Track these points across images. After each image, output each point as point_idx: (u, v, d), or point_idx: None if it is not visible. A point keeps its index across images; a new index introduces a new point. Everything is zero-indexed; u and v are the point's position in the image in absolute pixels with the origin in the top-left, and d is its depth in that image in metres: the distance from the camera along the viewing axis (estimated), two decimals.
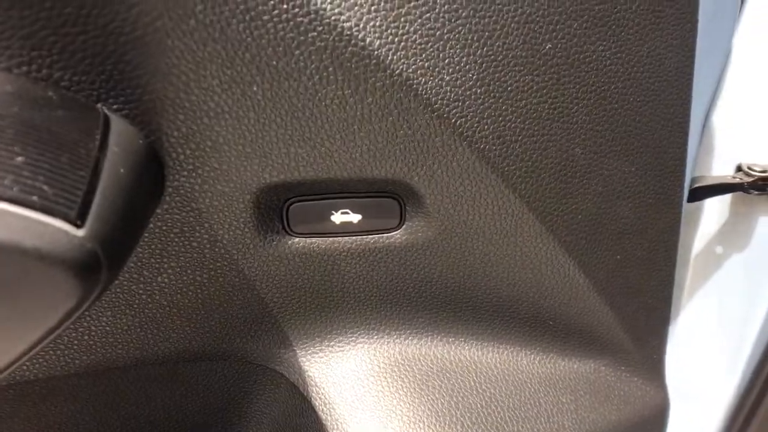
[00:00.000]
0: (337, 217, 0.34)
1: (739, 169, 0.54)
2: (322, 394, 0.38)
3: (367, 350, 0.39)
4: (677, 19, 0.33)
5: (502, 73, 0.31)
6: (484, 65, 0.30)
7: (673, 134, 0.36)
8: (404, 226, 0.35)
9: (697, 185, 0.51)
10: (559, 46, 0.31)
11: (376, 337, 0.39)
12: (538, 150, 0.33)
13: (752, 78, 0.52)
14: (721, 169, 0.55)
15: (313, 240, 0.34)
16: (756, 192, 0.52)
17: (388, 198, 0.34)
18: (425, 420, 0.38)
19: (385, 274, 0.36)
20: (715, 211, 0.57)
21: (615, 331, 0.40)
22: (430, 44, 0.29)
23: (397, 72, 0.29)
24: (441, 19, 0.29)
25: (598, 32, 0.32)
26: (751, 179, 0.51)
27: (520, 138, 0.32)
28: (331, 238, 0.35)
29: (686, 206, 0.60)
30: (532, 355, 0.40)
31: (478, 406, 0.38)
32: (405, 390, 0.38)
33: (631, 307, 0.39)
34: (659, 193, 0.37)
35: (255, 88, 0.28)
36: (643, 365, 0.42)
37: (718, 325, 0.60)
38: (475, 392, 0.38)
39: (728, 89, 0.54)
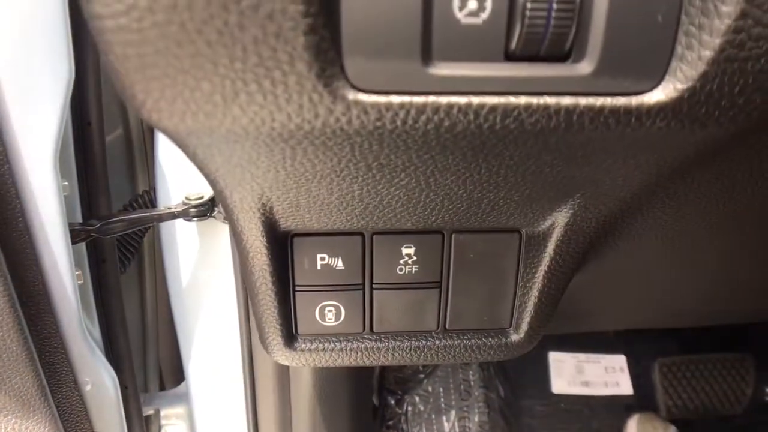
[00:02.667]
0: None
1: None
2: None
3: None
4: None
5: None
6: None
7: None
8: None
9: (115, 219, 0.54)
10: None
11: None
12: None
13: None
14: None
15: None
16: (196, 219, 0.58)
17: None
18: None
19: None
20: (195, 239, 0.62)
21: None
22: None
23: None
24: None
25: None
26: (184, 207, 0.57)
27: None
28: None
29: (166, 235, 0.64)
30: None
31: None
32: None
33: None
34: None
35: None
36: (17, 404, 0.42)
37: (214, 344, 0.64)
38: None
39: None
